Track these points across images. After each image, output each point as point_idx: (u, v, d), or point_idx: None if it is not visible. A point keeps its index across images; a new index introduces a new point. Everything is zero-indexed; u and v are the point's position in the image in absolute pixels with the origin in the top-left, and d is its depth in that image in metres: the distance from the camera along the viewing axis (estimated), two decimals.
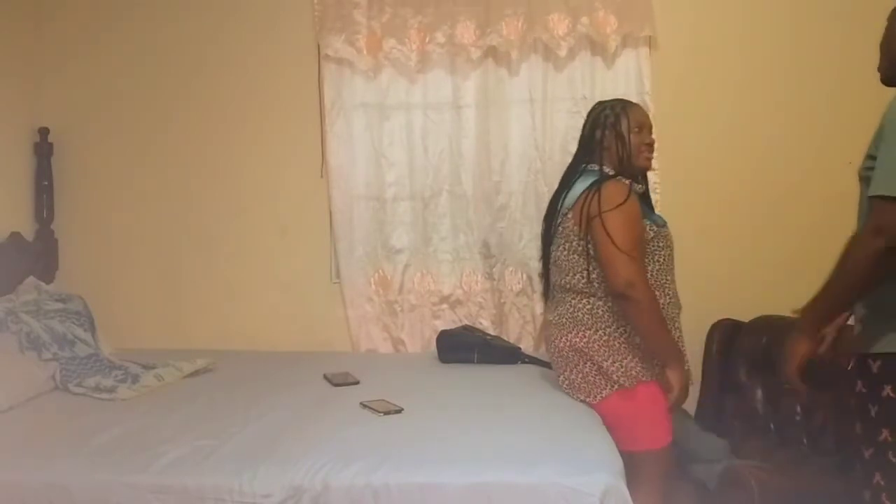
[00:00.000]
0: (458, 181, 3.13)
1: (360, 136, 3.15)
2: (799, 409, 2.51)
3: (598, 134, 2.24)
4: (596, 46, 3.04)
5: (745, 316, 2.80)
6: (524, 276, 3.12)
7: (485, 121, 3.10)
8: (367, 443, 1.90)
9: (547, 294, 2.37)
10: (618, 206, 2.08)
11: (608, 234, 2.05)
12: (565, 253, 2.20)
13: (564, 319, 2.21)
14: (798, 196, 3.03)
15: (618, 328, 2.14)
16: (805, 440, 2.46)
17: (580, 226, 2.14)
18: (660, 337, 2.10)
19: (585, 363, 2.17)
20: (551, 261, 2.28)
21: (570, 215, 2.17)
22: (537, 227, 3.07)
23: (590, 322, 2.15)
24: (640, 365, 2.12)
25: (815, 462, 2.34)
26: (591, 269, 2.14)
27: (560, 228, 2.21)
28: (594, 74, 3.06)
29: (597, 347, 2.14)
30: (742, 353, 2.70)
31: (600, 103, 2.33)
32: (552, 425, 2.03)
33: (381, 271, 3.18)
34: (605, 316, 2.14)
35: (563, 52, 3.01)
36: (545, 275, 2.35)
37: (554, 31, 3.01)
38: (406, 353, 3.16)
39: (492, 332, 3.08)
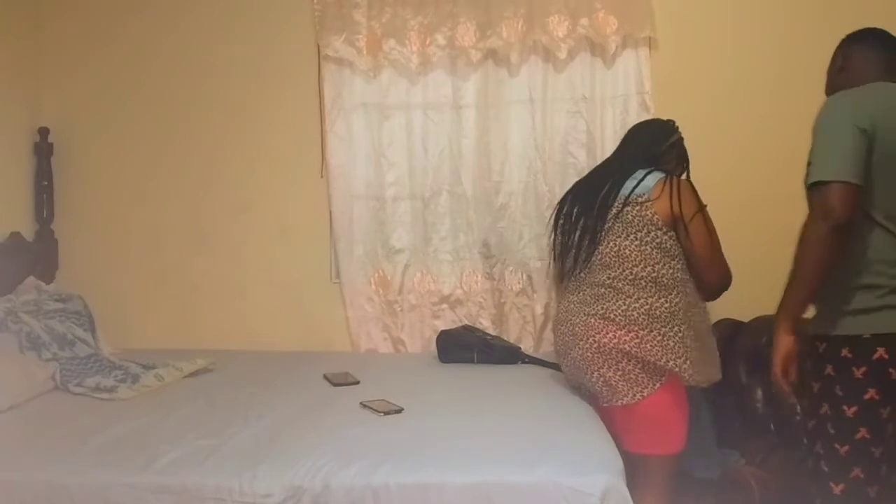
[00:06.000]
0: (458, 181, 3.12)
1: (360, 136, 3.15)
2: (799, 409, 2.50)
3: (664, 149, 2.33)
4: (596, 48, 3.04)
5: (745, 316, 2.79)
6: (524, 276, 3.11)
7: (485, 121, 3.10)
8: (367, 443, 1.90)
9: (559, 284, 2.36)
10: (705, 207, 2.18)
11: (709, 232, 2.15)
12: (635, 243, 2.14)
13: (615, 315, 2.14)
14: (798, 196, 2.99)
15: (672, 327, 2.10)
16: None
17: (668, 218, 2.14)
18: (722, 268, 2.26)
19: (630, 361, 2.12)
20: (601, 251, 2.19)
21: (649, 205, 2.14)
22: (537, 227, 3.09)
23: (645, 322, 2.11)
24: (690, 367, 2.11)
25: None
26: (664, 262, 2.14)
27: (629, 217, 2.15)
28: (594, 75, 3.06)
29: (649, 347, 2.10)
30: (742, 353, 2.69)
31: (672, 121, 2.41)
32: (552, 425, 2.03)
33: (380, 271, 3.18)
34: (663, 316, 2.11)
35: (562, 55, 3.01)
36: (561, 263, 2.33)
37: (554, 34, 3.01)
38: (406, 353, 3.15)
39: (492, 332, 3.08)
